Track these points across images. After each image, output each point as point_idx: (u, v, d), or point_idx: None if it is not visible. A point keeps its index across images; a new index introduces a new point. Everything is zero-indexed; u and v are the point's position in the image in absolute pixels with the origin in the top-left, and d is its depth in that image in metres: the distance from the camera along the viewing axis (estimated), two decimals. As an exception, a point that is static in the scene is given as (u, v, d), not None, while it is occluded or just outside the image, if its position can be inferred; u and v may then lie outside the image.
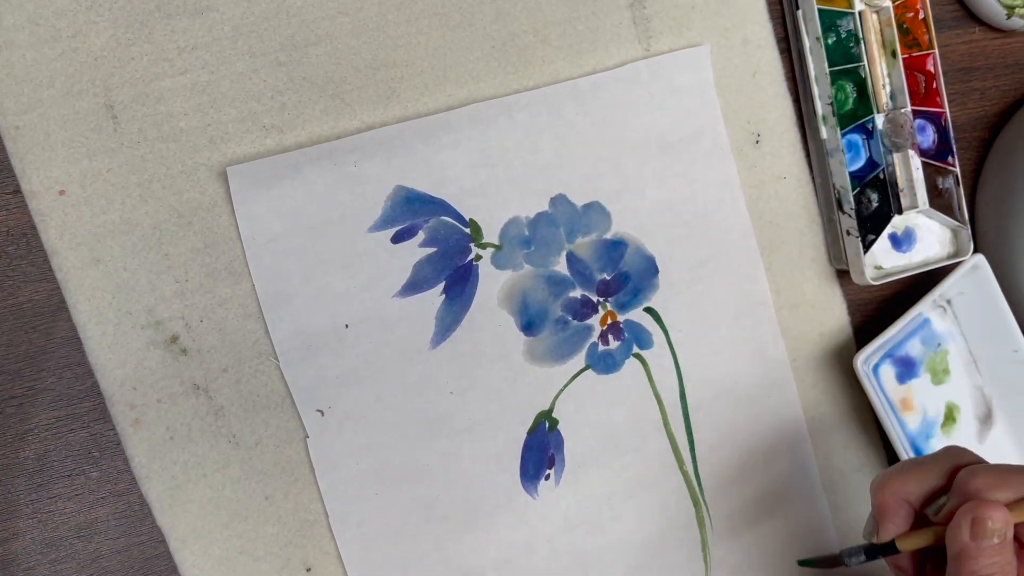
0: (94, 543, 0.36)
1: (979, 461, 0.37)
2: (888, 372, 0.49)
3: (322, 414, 0.38)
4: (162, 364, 0.36)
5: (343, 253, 0.38)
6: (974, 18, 0.52)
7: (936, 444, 0.50)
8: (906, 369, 0.50)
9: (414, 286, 0.40)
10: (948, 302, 0.51)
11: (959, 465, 0.36)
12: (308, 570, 0.38)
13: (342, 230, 0.38)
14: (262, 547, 0.38)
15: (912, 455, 0.48)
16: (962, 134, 0.52)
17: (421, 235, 0.40)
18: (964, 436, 0.51)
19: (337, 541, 0.39)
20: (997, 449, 0.52)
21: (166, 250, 0.36)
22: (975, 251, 0.50)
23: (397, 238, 0.39)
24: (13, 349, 0.34)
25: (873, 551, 0.39)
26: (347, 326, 0.39)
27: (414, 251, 0.40)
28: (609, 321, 0.43)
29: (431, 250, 0.40)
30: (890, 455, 0.51)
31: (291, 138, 0.38)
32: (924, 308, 0.49)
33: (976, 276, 0.50)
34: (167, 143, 0.36)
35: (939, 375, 0.51)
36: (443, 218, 0.40)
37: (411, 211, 0.40)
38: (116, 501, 0.36)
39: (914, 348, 0.50)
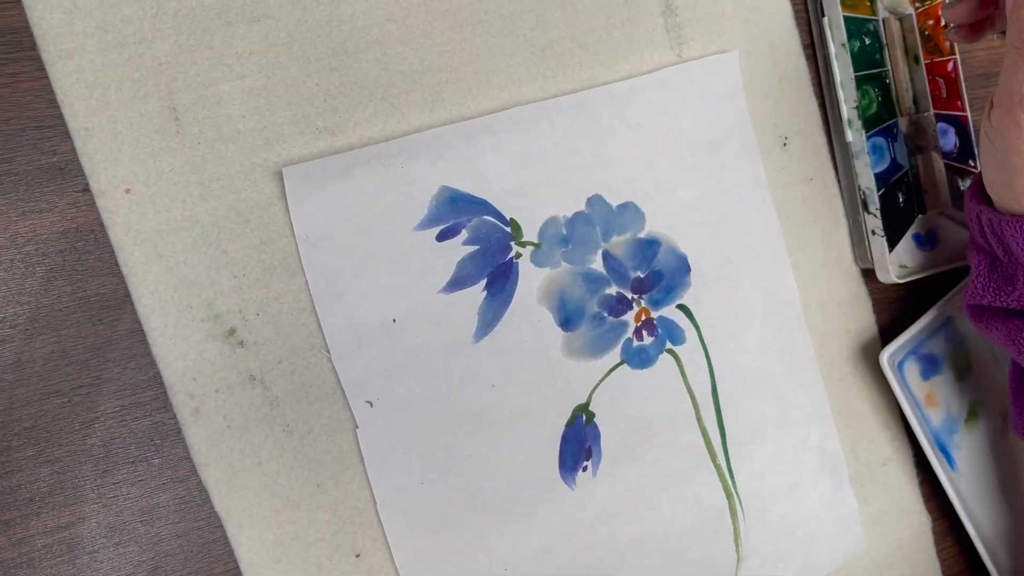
0: (156, 527, 0.37)
1: None
2: (912, 369, 0.50)
3: (371, 405, 0.40)
4: (220, 356, 0.38)
5: (391, 251, 0.40)
6: (993, 25, 0.53)
7: (960, 440, 0.51)
8: (930, 366, 0.51)
9: (458, 283, 0.41)
10: (970, 301, 0.52)
11: None
12: (357, 556, 0.40)
13: (390, 228, 0.40)
14: (314, 533, 0.39)
15: (937, 450, 0.49)
16: (982, 138, 0.54)
17: (464, 234, 0.41)
18: (987, 432, 0.52)
19: (385, 528, 0.40)
20: (1018, 446, 0.53)
21: (224, 246, 0.38)
22: (996, 251, 0.51)
23: (442, 236, 0.41)
24: (81, 341, 0.36)
25: None
26: (395, 321, 0.40)
27: (458, 249, 0.41)
28: (643, 318, 0.45)
29: (474, 248, 0.41)
30: (916, 450, 0.52)
31: (342, 140, 0.39)
32: (947, 306, 0.50)
33: (998, 275, 0.51)
34: (226, 144, 0.38)
35: (962, 372, 0.52)
36: (485, 217, 0.42)
37: (455, 210, 0.41)
38: (176, 487, 0.37)
39: (938, 345, 0.51)
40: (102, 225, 0.36)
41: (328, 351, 0.39)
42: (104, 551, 0.36)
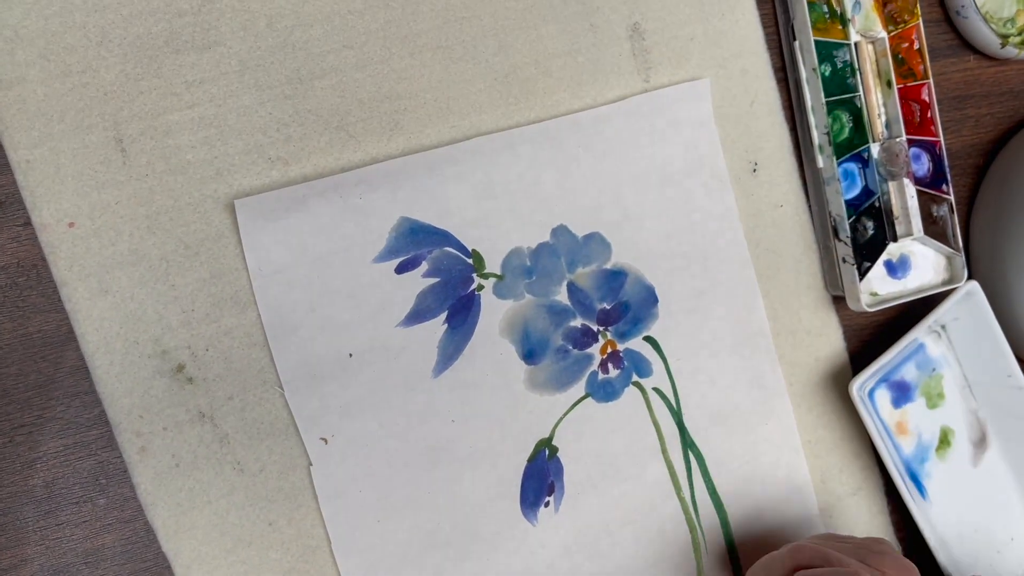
0: (100, 569, 0.36)
1: (816, 557, 0.38)
2: (883, 396, 0.50)
3: (325, 442, 0.39)
4: (168, 392, 0.37)
5: (348, 284, 0.39)
6: (969, 47, 0.53)
7: (931, 468, 0.51)
8: (901, 393, 0.50)
9: (417, 316, 0.40)
10: (943, 327, 0.51)
11: (799, 566, 0.39)
12: (311, 596, 0.39)
13: (347, 261, 0.39)
14: (266, 572, 0.38)
15: (907, 479, 0.49)
16: (957, 161, 0.53)
17: (424, 265, 0.40)
18: (959, 460, 0.52)
19: (339, 567, 0.39)
20: (991, 472, 0.52)
21: (173, 281, 0.37)
22: (969, 277, 0.51)
23: (401, 268, 0.40)
24: (23, 379, 0.35)
25: None
26: (351, 355, 0.39)
27: (417, 281, 0.40)
28: (609, 350, 0.44)
29: (434, 280, 0.40)
30: (885, 479, 0.51)
31: (296, 170, 0.38)
32: (919, 333, 0.49)
33: (970, 302, 0.50)
34: (175, 176, 0.37)
35: (934, 399, 0.51)
36: (446, 249, 0.41)
37: (415, 242, 0.40)
38: (123, 528, 0.36)
39: (909, 373, 0.51)
40: (44, 260, 0.35)
41: (281, 387, 0.38)
42: (47, 595, 0.36)
